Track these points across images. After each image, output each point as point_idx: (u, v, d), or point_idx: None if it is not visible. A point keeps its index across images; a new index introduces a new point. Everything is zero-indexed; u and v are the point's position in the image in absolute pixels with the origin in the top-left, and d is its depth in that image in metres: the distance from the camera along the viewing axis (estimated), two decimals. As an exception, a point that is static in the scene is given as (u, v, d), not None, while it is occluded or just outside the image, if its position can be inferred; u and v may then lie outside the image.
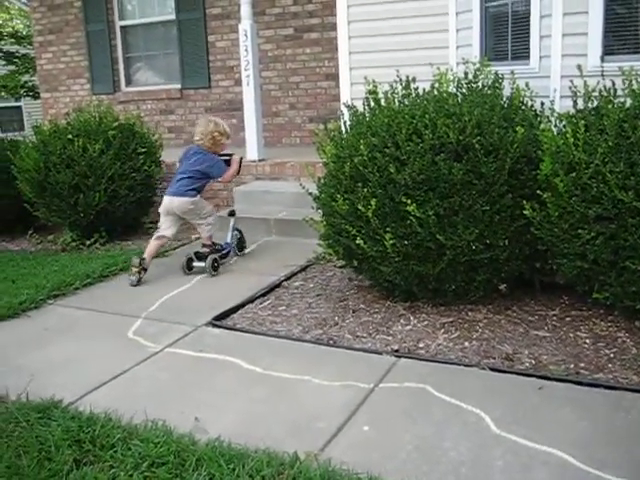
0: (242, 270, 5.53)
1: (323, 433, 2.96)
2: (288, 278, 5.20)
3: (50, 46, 10.86)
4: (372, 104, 4.54)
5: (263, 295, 4.84)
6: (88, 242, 6.58)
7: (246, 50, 7.26)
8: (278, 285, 5.05)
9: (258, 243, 6.21)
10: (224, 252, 5.70)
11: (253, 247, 6.14)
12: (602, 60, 4.54)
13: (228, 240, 5.81)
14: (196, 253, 5.59)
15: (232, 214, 5.95)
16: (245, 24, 7.25)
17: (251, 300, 4.74)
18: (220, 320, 4.40)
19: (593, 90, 3.94)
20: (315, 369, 3.60)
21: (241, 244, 5.94)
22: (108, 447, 2.87)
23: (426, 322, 4.16)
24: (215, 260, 5.47)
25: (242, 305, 4.65)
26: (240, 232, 5.93)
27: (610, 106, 3.75)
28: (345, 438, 2.93)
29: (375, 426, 3.01)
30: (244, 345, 4.01)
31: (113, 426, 3.03)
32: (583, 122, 3.73)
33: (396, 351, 3.78)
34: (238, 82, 8.66)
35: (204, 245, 5.64)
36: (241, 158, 5.81)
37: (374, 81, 4.57)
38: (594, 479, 2.55)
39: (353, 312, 4.41)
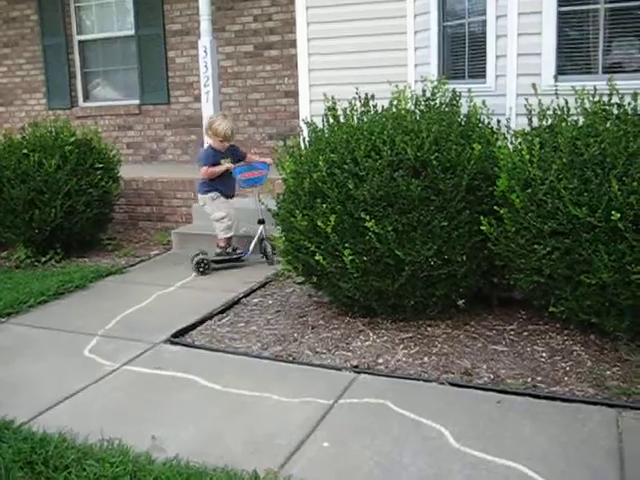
0: (201, 286, 5.48)
1: (283, 450, 2.94)
2: (247, 294, 5.17)
3: (5, 59, 10.67)
4: (331, 121, 4.56)
5: (222, 312, 4.80)
6: (43, 259, 6.43)
7: (206, 66, 7.24)
8: (237, 301, 5.02)
9: (217, 259, 6.16)
10: (230, 257, 5.94)
11: (212, 263, 6.09)
12: (556, 79, 4.64)
13: (250, 248, 5.96)
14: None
15: (260, 222, 5.95)
16: (205, 40, 7.24)
17: (210, 317, 4.70)
18: (178, 337, 4.35)
19: (547, 108, 4.03)
20: (274, 386, 3.57)
21: (266, 254, 5.92)
22: (62, 468, 2.81)
23: (385, 338, 4.17)
24: (201, 261, 5.77)
25: (201, 322, 4.61)
26: (268, 242, 5.87)
27: (564, 124, 3.84)
28: (305, 455, 2.91)
29: (335, 442, 3.00)
30: (203, 362, 3.96)
31: (67, 446, 2.96)
32: (538, 139, 3.81)
33: (355, 367, 3.78)
34: (197, 98, 8.62)
35: (218, 245, 5.97)
36: (228, 168, 5.94)
37: (333, 98, 4.60)
38: (552, 492, 2.58)
39: (312, 328, 4.39)
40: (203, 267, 5.79)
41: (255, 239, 5.95)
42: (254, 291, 5.26)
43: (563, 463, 2.75)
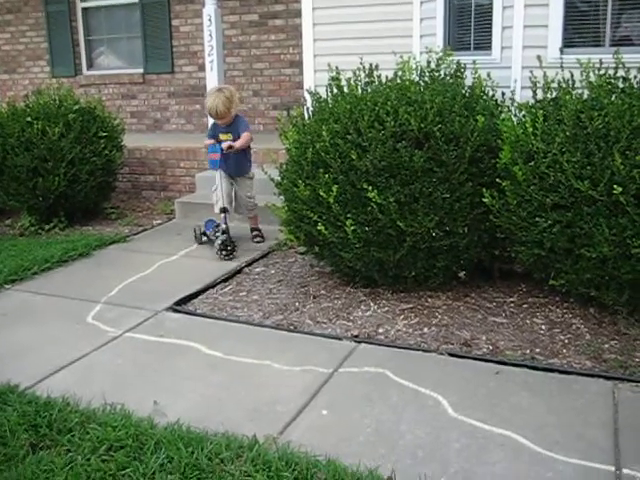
0: (203, 256, 5.51)
1: (282, 417, 2.98)
2: (249, 264, 5.20)
3: (8, 26, 10.61)
4: (335, 91, 4.55)
5: (224, 281, 4.84)
6: (47, 227, 6.47)
7: (210, 35, 7.20)
8: (239, 271, 5.05)
9: (220, 229, 6.18)
10: (208, 236, 5.78)
11: (215, 233, 6.11)
12: (561, 52, 4.62)
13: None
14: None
15: (222, 211, 5.49)
16: (209, 9, 7.18)
17: (212, 285, 4.73)
18: (180, 305, 4.39)
19: (552, 81, 4.01)
20: (275, 354, 3.61)
21: (224, 246, 5.31)
22: (65, 431, 2.86)
23: (386, 308, 4.20)
24: (195, 229, 5.85)
25: (203, 290, 4.64)
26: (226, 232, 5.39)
27: (568, 97, 3.82)
28: (304, 422, 2.95)
29: (334, 410, 3.04)
30: (204, 330, 4.00)
31: (71, 410, 3.01)
32: (542, 112, 3.80)
33: (356, 336, 3.81)
34: (202, 68, 8.58)
35: None
36: (222, 143, 5.50)
37: (337, 68, 4.58)
38: (547, 460, 2.61)
39: (314, 298, 4.43)
40: (196, 234, 5.82)
41: (219, 229, 5.45)
42: (256, 261, 5.28)
43: (559, 433, 2.79)
